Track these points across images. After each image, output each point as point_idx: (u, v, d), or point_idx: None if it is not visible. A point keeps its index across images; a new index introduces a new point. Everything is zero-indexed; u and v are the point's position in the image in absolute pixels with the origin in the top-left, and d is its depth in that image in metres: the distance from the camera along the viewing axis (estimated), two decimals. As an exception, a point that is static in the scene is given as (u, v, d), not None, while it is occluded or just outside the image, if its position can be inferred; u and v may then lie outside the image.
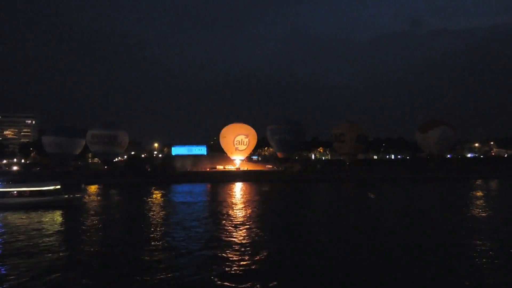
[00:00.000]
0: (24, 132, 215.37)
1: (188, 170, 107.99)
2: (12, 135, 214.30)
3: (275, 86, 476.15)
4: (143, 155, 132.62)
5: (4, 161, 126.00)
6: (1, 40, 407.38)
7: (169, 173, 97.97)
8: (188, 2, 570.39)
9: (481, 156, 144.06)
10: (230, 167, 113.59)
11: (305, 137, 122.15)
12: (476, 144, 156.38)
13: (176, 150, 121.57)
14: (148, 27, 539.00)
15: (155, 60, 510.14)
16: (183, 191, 67.53)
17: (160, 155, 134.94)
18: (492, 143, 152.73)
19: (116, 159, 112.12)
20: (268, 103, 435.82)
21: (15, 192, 44.78)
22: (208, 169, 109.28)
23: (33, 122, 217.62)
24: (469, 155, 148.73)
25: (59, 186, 47.36)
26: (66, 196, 46.57)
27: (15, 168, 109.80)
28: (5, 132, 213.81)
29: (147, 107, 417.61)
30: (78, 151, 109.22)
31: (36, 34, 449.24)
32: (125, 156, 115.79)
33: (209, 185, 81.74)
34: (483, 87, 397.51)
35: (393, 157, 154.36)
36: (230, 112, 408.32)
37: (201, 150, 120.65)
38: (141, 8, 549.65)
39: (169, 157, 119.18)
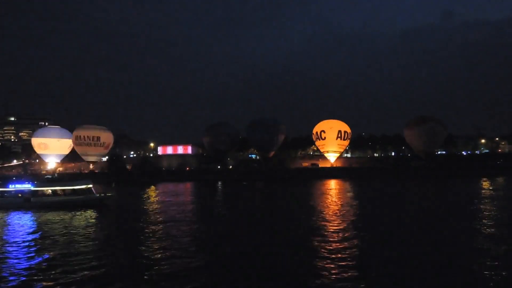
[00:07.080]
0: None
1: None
2: (27, 136, 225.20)
3: (292, 84, 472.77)
4: (139, 156, 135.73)
5: (4, 162, 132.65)
6: (20, 42, 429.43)
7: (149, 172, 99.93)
8: (213, 1, 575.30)
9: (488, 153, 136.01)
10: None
11: (281, 135, 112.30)
12: (483, 141, 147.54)
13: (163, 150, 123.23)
14: (172, 27, 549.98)
15: (180, 61, 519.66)
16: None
17: (151, 155, 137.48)
18: (497, 139, 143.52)
19: (102, 159, 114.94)
20: (282, 101, 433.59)
21: (50, 191, 45.91)
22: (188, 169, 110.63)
23: (46, 123, 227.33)
24: (476, 152, 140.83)
25: (91, 185, 47.87)
26: (98, 195, 47.45)
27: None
28: (20, 134, 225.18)
29: (164, 108, 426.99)
30: (67, 151, 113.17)
31: (51, 36, 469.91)
32: (105, 158, 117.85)
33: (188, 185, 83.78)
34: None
35: (393, 154, 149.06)
36: (239, 110, 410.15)
37: (187, 149, 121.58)
38: (164, 7, 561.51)
39: (153, 157, 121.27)
